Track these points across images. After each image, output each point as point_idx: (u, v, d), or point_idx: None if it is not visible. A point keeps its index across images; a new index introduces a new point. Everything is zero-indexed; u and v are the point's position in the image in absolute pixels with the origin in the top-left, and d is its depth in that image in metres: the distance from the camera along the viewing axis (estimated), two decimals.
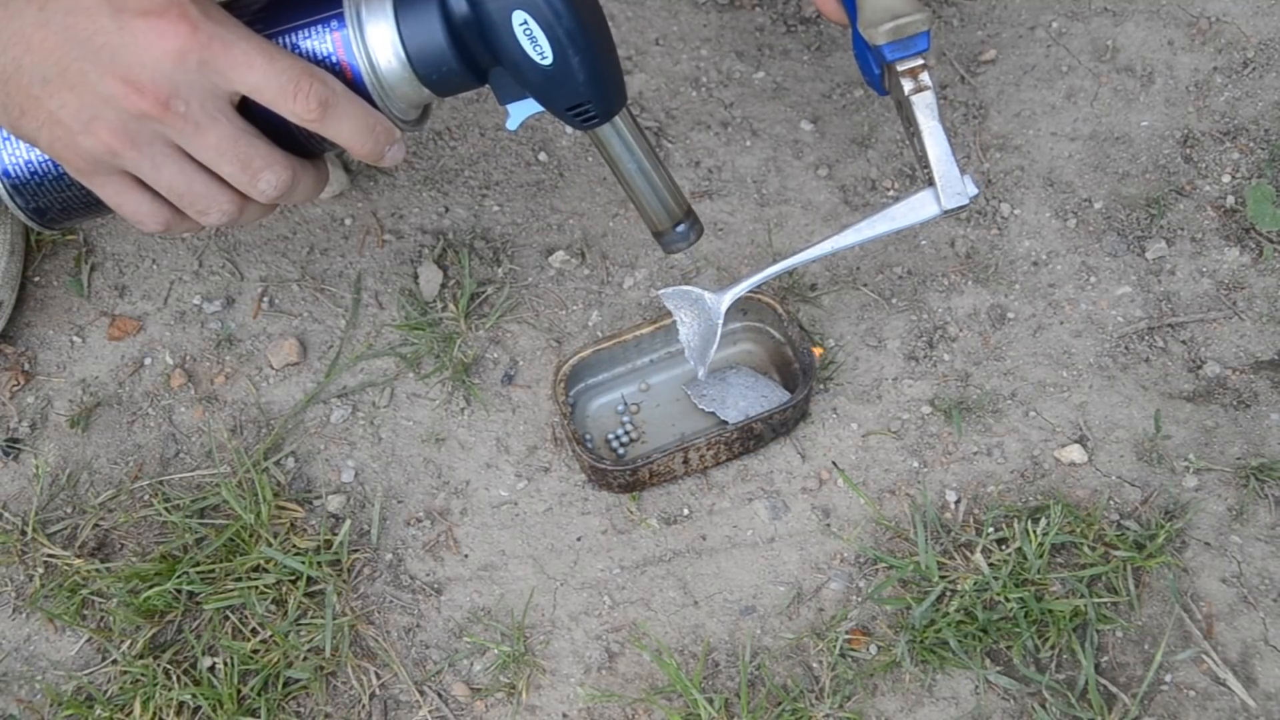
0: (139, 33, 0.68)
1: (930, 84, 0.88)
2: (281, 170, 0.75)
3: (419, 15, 0.74)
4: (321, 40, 0.75)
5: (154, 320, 1.07)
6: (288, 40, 0.75)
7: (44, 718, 0.91)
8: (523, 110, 0.79)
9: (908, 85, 0.89)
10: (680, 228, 0.88)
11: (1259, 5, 1.19)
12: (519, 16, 0.72)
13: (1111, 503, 0.97)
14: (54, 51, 0.69)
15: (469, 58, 0.76)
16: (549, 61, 0.74)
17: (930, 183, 0.90)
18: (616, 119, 0.81)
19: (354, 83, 0.75)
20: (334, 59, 0.75)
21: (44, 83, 0.70)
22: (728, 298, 0.95)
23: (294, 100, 0.72)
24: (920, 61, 0.88)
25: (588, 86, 0.76)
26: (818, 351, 0.98)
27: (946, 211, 0.90)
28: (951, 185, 0.90)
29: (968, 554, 0.94)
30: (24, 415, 1.03)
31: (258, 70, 0.71)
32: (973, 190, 0.90)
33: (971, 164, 1.13)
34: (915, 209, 0.91)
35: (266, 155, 0.74)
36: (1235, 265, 1.07)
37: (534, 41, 0.73)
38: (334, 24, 0.74)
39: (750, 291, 0.96)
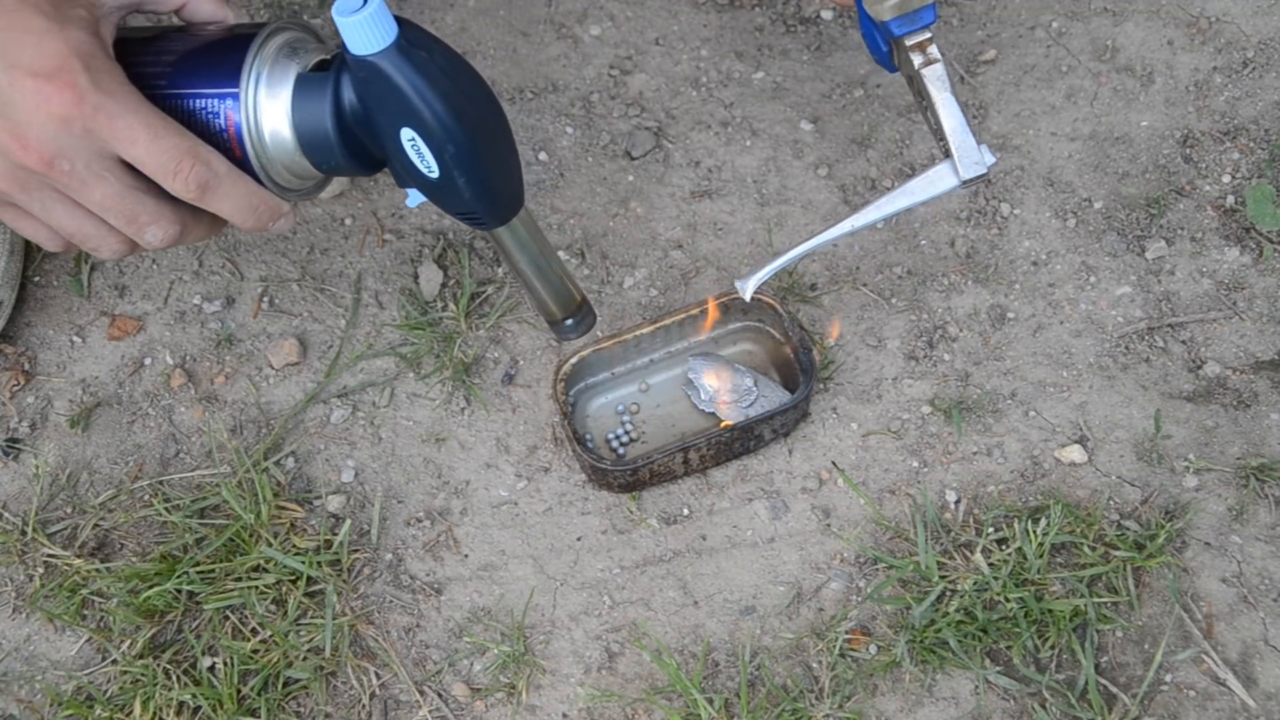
0: (28, 92, 0.69)
1: (939, 56, 0.88)
2: (169, 225, 0.77)
3: (312, 109, 0.74)
4: (215, 115, 0.75)
5: (154, 320, 1.07)
6: (185, 105, 0.75)
7: (44, 718, 0.92)
8: (421, 195, 0.79)
9: (917, 59, 0.88)
10: (569, 321, 0.88)
11: (1259, 5, 1.19)
12: (407, 134, 0.72)
13: (1111, 503, 0.97)
14: None
15: (361, 153, 0.76)
16: (436, 175, 0.74)
17: (947, 155, 0.90)
18: (513, 220, 0.81)
19: (242, 161, 0.76)
20: (225, 135, 0.75)
21: None
22: (752, 283, 0.95)
23: (173, 180, 0.73)
24: (928, 35, 0.88)
25: (474, 202, 0.76)
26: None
27: (965, 182, 0.89)
28: (968, 155, 0.89)
29: (968, 554, 0.94)
30: (24, 415, 1.03)
31: (140, 146, 0.72)
32: (990, 159, 0.89)
33: None
34: (934, 182, 0.90)
35: (154, 211, 0.75)
36: (1235, 265, 1.07)
37: (421, 157, 0.73)
38: (229, 101, 0.74)
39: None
